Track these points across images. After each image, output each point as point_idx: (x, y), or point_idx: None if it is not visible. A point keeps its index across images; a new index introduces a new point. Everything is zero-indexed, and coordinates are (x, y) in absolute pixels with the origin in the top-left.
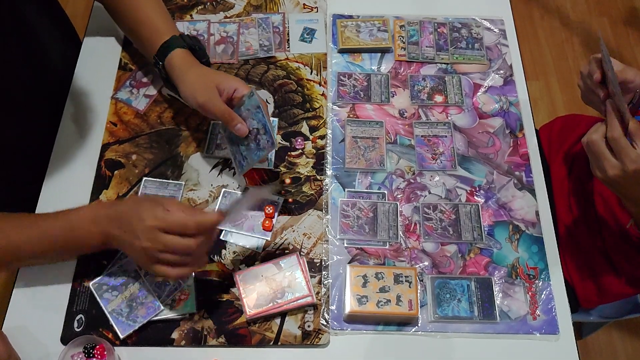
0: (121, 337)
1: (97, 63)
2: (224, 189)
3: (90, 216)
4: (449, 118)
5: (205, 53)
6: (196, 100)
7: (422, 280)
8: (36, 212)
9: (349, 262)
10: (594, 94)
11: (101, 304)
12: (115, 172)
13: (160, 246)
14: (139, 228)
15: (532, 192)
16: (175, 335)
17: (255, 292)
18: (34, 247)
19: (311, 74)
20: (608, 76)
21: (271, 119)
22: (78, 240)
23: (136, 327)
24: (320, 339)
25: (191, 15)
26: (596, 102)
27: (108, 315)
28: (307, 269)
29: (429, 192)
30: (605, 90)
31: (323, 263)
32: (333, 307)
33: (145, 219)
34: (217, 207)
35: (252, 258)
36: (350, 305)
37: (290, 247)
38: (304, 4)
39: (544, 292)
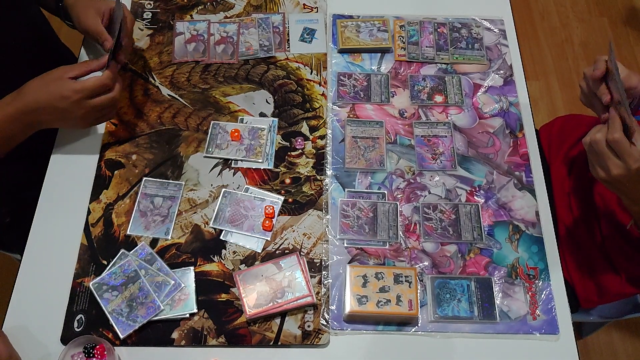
0: (121, 337)
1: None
2: (224, 189)
3: (4, 119)
4: (449, 118)
5: None
6: (81, 26)
7: (422, 280)
8: (37, 213)
9: (349, 262)
10: (595, 96)
11: (101, 304)
12: (115, 172)
13: (93, 109)
14: (66, 106)
15: (532, 192)
16: (175, 335)
17: (255, 292)
18: None
19: (311, 74)
20: (614, 83)
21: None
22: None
23: (136, 327)
24: (320, 339)
25: (191, 16)
26: (595, 105)
27: (108, 315)
28: (307, 269)
29: (429, 192)
30: (608, 95)
31: (323, 263)
32: (333, 307)
33: (67, 96)
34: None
35: (252, 258)
36: (350, 305)
37: (291, 247)
38: (304, 4)
39: (544, 292)
